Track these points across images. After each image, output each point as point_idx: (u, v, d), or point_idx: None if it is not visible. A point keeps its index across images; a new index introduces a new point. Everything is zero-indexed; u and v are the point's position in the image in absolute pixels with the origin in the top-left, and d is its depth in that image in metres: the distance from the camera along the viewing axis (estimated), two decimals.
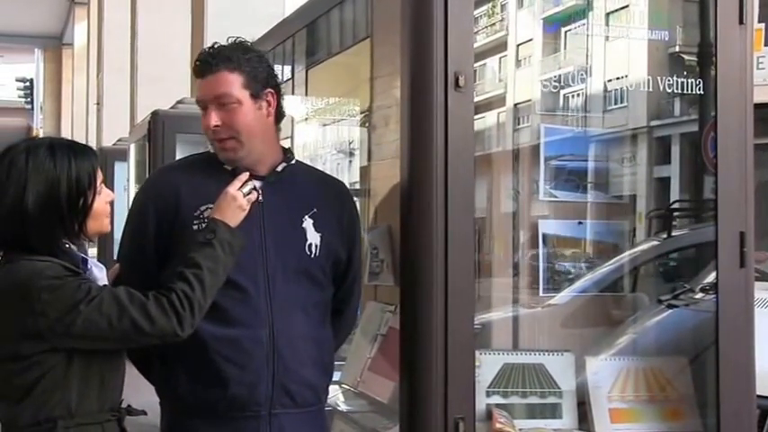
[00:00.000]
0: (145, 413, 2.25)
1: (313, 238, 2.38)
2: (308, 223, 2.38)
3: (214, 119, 2.31)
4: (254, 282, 2.30)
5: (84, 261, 2.18)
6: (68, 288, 2.04)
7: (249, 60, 2.34)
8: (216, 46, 2.37)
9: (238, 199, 2.24)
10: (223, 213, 2.22)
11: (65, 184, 2.09)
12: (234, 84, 2.31)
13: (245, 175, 2.30)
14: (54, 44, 32.13)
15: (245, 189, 2.26)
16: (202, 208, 2.32)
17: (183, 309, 2.08)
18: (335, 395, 3.00)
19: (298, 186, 2.43)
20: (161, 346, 2.21)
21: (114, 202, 2.28)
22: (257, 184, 2.34)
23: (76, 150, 2.16)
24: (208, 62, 2.33)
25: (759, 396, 2.57)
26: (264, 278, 2.31)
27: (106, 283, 2.22)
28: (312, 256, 2.37)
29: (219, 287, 2.18)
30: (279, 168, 2.41)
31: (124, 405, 2.22)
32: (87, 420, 2.10)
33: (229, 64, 2.31)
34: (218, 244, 2.16)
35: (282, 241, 2.35)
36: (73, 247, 2.17)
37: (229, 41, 2.38)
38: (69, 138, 2.46)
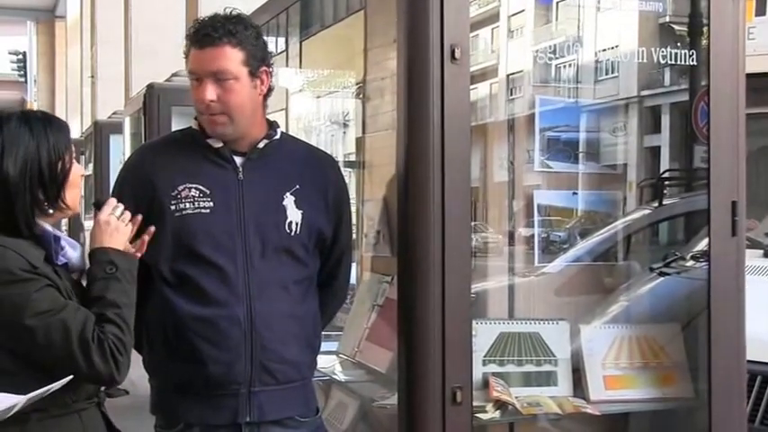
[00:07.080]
0: (127, 392, 2.23)
1: (293, 215, 2.34)
2: (288, 200, 2.34)
3: (210, 93, 2.26)
4: (232, 260, 2.28)
5: (57, 239, 2.12)
6: (20, 295, 1.98)
7: (249, 37, 2.29)
8: (216, 17, 2.29)
9: (111, 222, 2.17)
10: (106, 241, 2.16)
11: (44, 150, 2.07)
12: (235, 60, 2.26)
13: (113, 201, 2.23)
14: (47, 17, 31.86)
15: (117, 212, 2.21)
16: (180, 187, 2.29)
17: (121, 354, 2.04)
18: (333, 365, 3.03)
19: (280, 162, 2.39)
20: (144, 325, 2.22)
21: (84, 176, 2.22)
22: (239, 160, 2.33)
23: (51, 120, 2.14)
24: (210, 34, 2.26)
25: (749, 361, 2.62)
26: (243, 257, 2.28)
27: (81, 261, 2.18)
28: (292, 233, 2.34)
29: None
30: (260, 145, 2.37)
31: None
32: (62, 411, 2.06)
33: (232, 39, 2.26)
34: (122, 276, 2.12)
35: (261, 219, 2.31)
36: (44, 224, 2.11)
37: (227, 13, 2.31)
38: (64, 110, 2.45)
